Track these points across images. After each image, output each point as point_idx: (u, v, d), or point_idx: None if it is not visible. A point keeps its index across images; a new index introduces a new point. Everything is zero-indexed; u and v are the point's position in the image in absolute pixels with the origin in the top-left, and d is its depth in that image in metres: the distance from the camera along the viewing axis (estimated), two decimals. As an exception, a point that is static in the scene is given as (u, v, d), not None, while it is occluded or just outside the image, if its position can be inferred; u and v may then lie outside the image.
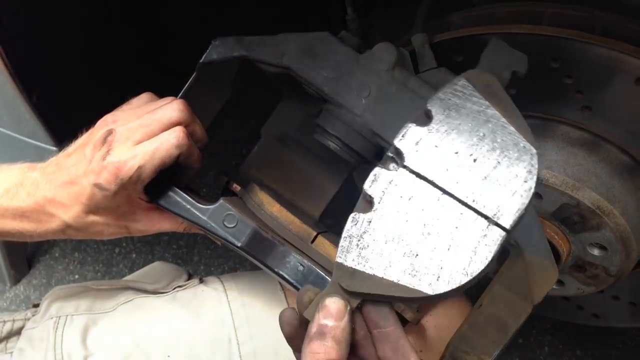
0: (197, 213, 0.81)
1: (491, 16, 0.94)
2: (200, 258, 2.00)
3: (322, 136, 0.86)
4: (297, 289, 0.79)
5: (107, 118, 0.81)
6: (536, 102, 0.97)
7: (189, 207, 0.81)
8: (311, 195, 0.96)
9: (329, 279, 0.78)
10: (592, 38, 0.86)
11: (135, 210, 0.84)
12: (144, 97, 0.85)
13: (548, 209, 0.99)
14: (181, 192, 0.82)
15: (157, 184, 0.81)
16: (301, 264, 0.79)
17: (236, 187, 0.91)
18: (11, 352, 0.91)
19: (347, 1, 1.05)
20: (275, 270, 0.80)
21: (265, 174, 0.96)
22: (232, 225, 0.80)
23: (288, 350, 0.87)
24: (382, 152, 0.85)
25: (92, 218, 0.80)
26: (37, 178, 0.80)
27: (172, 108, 0.79)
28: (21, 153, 1.13)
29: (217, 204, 0.81)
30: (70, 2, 1.03)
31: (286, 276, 0.79)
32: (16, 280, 2.02)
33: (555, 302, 1.34)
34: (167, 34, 1.31)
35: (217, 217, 0.80)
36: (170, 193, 0.82)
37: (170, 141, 0.77)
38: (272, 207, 0.84)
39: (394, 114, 0.82)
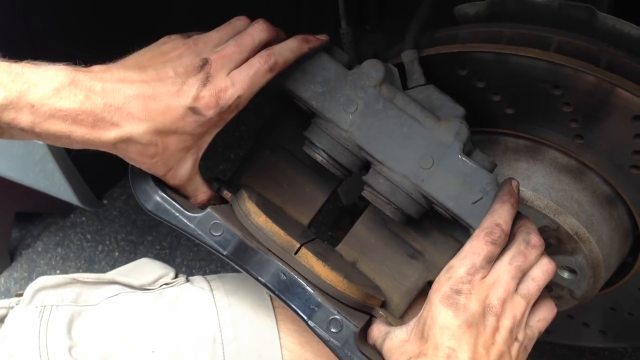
0: (185, 221, 0.81)
1: (499, 34, 0.93)
2: (183, 260, 2.00)
3: (310, 149, 0.88)
4: (279, 297, 0.80)
5: (189, 40, 0.82)
6: (530, 124, 0.98)
7: (177, 214, 0.82)
8: (301, 203, 0.97)
9: (310, 290, 0.80)
10: (599, 72, 0.86)
11: (187, 159, 0.83)
12: (174, 36, 0.83)
13: (528, 229, 1.00)
14: (170, 200, 0.82)
15: (147, 190, 0.82)
16: (283, 273, 0.80)
17: (227, 194, 0.91)
18: None
19: (342, 15, 1.06)
20: (259, 278, 0.81)
21: (256, 181, 0.97)
22: (218, 234, 0.81)
23: (271, 351, 0.89)
24: (368, 166, 0.86)
25: (156, 139, 0.77)
26: (91, 82, 0.73)
27: (259, 29, 0.82)
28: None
29: (204, 213, 0.81)
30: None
31: (269, 284, 0.80)
32: (-3, 273, 2.01)
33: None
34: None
35: (204, 225, 0.81)
36: (160, 200, 0.82)
37: (263, 67, 0.80)
38: (258, 218, 0.85)
39: (380, 130, 0.84)
